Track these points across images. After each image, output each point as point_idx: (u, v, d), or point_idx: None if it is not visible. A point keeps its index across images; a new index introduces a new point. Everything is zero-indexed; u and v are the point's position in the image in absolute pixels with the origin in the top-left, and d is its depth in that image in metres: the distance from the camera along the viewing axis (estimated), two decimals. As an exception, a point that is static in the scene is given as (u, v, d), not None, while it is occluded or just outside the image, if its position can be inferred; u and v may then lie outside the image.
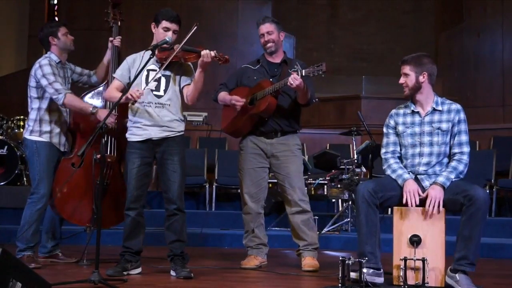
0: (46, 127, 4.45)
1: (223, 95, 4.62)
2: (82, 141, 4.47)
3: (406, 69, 3.79)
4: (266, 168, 4.58)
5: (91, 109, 4.37)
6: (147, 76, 4.08)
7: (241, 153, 4.62)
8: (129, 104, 4.06)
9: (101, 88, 4.68)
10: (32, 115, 4.47)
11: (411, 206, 3.64)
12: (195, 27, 3.95)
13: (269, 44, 4.53)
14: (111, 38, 4.74)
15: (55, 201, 4.43)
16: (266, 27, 4.53)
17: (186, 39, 3.98)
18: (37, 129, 4.44)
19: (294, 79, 4.12)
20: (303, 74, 4.14)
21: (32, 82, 4.45)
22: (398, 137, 3.88)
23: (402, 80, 3.82)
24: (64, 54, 4.57)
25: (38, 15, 11.46)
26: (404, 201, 3.67)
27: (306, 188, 5.08)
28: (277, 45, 4.56)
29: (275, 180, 5.34)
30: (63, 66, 4.57)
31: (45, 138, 4.44)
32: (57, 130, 4.49)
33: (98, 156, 4.35)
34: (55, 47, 4.52)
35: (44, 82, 4.37)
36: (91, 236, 4.39)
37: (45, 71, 4.38)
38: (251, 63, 4.73)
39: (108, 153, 4.48)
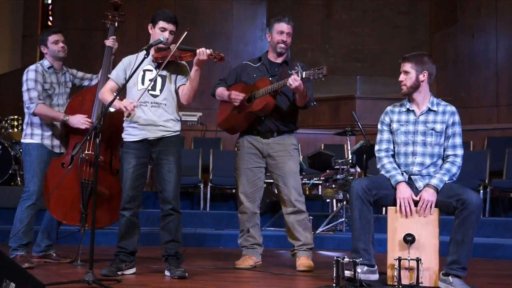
0: (37, 130, 4.50)
1: (221, 90, 4.61)
2: (74, 141, 4.47)
3: (407, 66, 3.76)
4: (262, 168, 4.57)
5: (62, 117, 4.44)
6: (143, 76, 4.08)
7: (238, 153, 4.61)
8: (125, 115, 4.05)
9: (93, 82, 4.75)
10: (25, 118, 4.57)
11: (405, 216, 3.64)
12: (186, 33, 3.95)
13: (283, 45, 4.49)
14: (105, 40, 4.74)
15: (46, 202, 4.41)
16: (289, 28, 4.49)
17: (181, 39, 3.98)
18: (29, 132, 4.52)
19: (294, 80, 4.10)
20: (303, 76, 4.13)
21: (22, 87, 4.52)
22: (392, 134, 3.88)
23: (402, 77, 3.78)
24: (56, 61, 4.59)
25: (32, 14, 11.43)
26: (398, 209, 3.68)
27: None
28: (286, 50, 4.55)
29: (270, 180, 5.35)
30: (57, 72, 4.59)
31: (36, 140, 4.50)
32: (48, 132, 4.51)
33: (84, 155, 4.38)
34: (47, 55, 4.59)
35: (24, 87, 4.47)
36: (83, 236, 4.39)
37: (29, 76, 4.47)
38: (251, 60, 4.72)
39: (92, 151, 4.42)
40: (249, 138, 4.55)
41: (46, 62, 4.57)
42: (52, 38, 4.54)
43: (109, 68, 4.54)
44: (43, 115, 4.47)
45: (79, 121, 4.41)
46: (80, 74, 4.79)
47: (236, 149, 4.66)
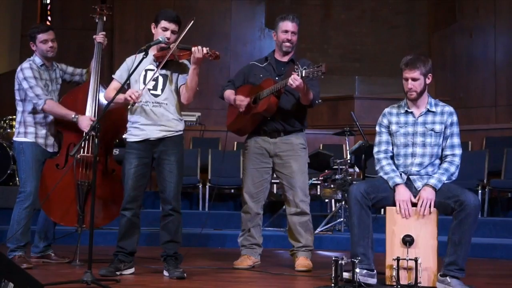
0: (30, 129, 4.44)
1: (228, 94, 4.61)
2: (68, 140, 4.45)
3: (416, 73, 3.71)
4: (268, 169, 4.56)
5: (72, 116, 4.35)
6: (145, 76, 4.07)
7: (245, 153, 4.62)
8: (129, 106, 4.06)
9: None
10: (18, 117, 4.50)
11: (404, 217, 3.64)
12: (192, 22, 3.95)
13: (288, 44, 4.50)
14: (95, 36, 4.69)
15: (43, 205, 4.39)
16: (294, 26, 4.51)
17: (182, 35, 3.98)
18: (23, 131, 4.45)
19: (294, 80, 4.10)
20: (303, 75, 4.13)
21: (15, 85, 4.46)
22: (391, 136, 3.88)
23: (410, 84, 3.73)
24: (45, 60, 4.50)
25: (31, 14, 11.40)
26: (397, 212, 3.68)
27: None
28: (292, 48, 4.55)
29: (273, 181, 5.34)
30: (48, 69, 4.54)
31: (30, 139, 4.44)
32: (42, 131, 4.47)
33: (79, 156, 4.35)
34: (36, 52, 4.50)
35: (25, 85, 4.38)
36: (80, 236, 4.38)
37: (26, 74, 4.38)
38: (258, 60, 4.72)
39: (87, 153, 4.41)
40: (256, 139, 4.55)
41: (37, 59, 4.47)
42: (41, 37, 4.44)
43: (100, 64, 4.51)
44: (52, 111, 4.39)
45: (87, 124, 4.27)
46: (70, 69, 4.71)
47: (244, 150, 4.67)
